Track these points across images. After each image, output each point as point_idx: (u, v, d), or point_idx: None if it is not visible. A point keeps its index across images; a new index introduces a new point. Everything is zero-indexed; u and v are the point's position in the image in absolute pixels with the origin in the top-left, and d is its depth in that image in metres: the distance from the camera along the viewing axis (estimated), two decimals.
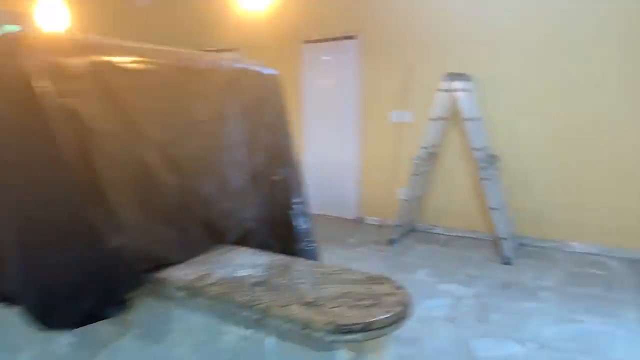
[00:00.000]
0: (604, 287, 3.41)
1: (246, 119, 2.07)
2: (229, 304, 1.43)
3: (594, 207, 4.03)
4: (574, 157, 4.06)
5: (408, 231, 4.78)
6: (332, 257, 4.29)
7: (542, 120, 4.18)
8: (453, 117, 4.41)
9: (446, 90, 4.19)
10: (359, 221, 5.28)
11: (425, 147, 4.30)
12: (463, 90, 4.12)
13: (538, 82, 4.20)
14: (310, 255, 2.26)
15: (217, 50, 5.50)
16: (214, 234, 1.83)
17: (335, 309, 1.36)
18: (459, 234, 4.71)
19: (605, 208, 3.99)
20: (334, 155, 5.47)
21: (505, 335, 2.76)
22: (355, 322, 1.30)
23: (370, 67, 5.01)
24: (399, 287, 1.54)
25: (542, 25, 4.15)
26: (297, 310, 1.34)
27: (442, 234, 4.79)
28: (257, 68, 2.23)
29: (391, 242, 4.46)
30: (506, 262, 3.90)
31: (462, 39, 4.46)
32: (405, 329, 2.78)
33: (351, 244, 4.53)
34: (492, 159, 4.26)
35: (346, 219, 5.45)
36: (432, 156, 4.54)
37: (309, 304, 1.38)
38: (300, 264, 1.72)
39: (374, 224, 5.09)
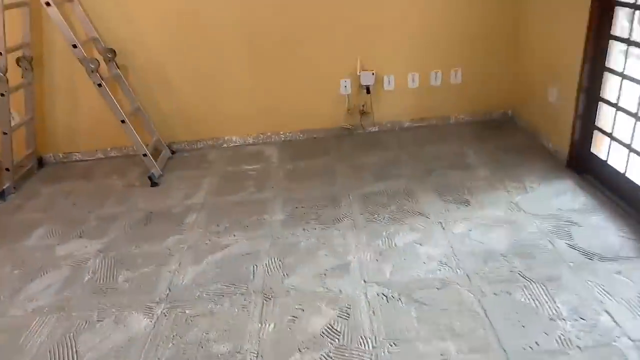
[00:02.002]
0: (256, 186, 3.06)
1: None
2: None
3: (240, 98, 3.56)
4: (208, 45, 3.37)
5: (29, 170, 3.51)
6: None
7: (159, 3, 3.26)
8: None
9: None
10: None
11: (1, 53, 2.90)
12: None
13: None
14: None
15: None
16: None
17: None
18: (103, 155, 3.72)
19: (249, 97, 3.56)
20: None
21: (131, 306, 2.09)
22: None
23: None
24: None
25: None
26: None
27: (82, 161, 3.70)
28: None
29: (0, 196, 3.16)
30: (153, 182, 3.18)
31: None
32: None
33: None
34: (109, 55, 3.22)
35: None
36: (25, 62, 3.18)
37: None
38: None
39: None
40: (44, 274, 2.36)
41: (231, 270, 2.25)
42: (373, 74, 3.43)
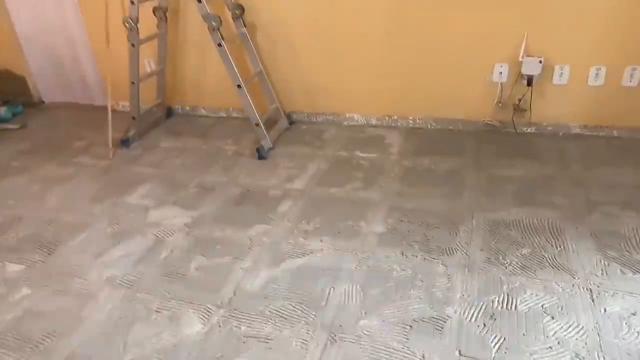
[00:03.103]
0: (363, 180, 2.64)
1: None
2: None
3: (369, 72, 3.09)
4: (342, 10, 2.93)
5: (156, 120, 3.57)
6: (26, 182, 2.87)
7: None
8: None
9: None
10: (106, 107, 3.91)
11: (134, 2, 2.85)
12: None
13: None
14: None
15: None
16: None
17: None
18: (226, 115, 3.63)
19: (380, 73, 3.07)
20: (51, 21, 3.78)
21: (192, 302, 1.90)
22: None
23: None
24: None
25: None
26: None
27: (207, 117, 3.67)
28: None
29: (124, 142, 3.26)
30: (261, 155, 2.96)
31: None
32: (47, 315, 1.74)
33: (72, 151, 3.26)
34: (237, 12, 2.99)
35: (96, 106, 4.06)
36: (160, 12, 3.12)
37: None
38: None
39: (126, 112, 3.77)
40: (130, 238, 2.32)
41: (305, 286, 1.92)
42: (541, 61, 2.66)
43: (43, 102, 4.22)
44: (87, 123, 3.72)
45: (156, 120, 3.56)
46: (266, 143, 2.99)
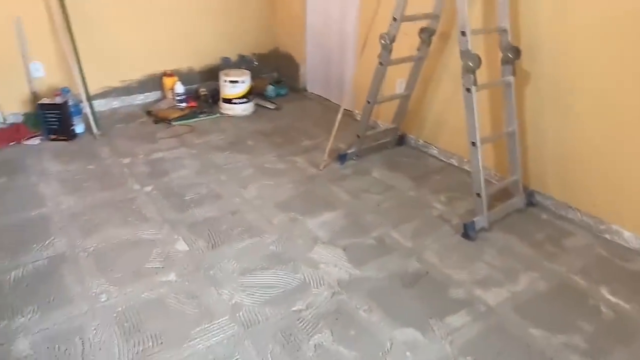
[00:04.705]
0: (598, 339, 1.75)
1: None
2: None
3: None
4: None
5: (384, 144, 3.27)
6: (244, 163, 3.04)
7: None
8: None
9: None
10: (351, 115, 3.83)
11: (396, 19, 2.53)
12: None
13: None
14: None
15: None
16: None
17: None
18: (457, 163, 3.07)
19: None
20: (334, 21, 3.87)
21: None
22: None
23: None
24: None
25: None
26: None
27: (436, 158, 3.18)
28: None
29: (341, 158, 3.08)
30: (467, 234, 2.34)
31: None
32: None
33: (296, 148, 3.28)
34: (509, 55, 2.36)
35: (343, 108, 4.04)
36: (426, 34, 2.74)
37: None
38: None
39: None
40: (281, 268, 2.11)
41: None
42: None
43: (306, 90, 4.46)
44: (327, 123, 3.70)
45: (384, 144, 3.27)
46: (480, 221, 2.35)
